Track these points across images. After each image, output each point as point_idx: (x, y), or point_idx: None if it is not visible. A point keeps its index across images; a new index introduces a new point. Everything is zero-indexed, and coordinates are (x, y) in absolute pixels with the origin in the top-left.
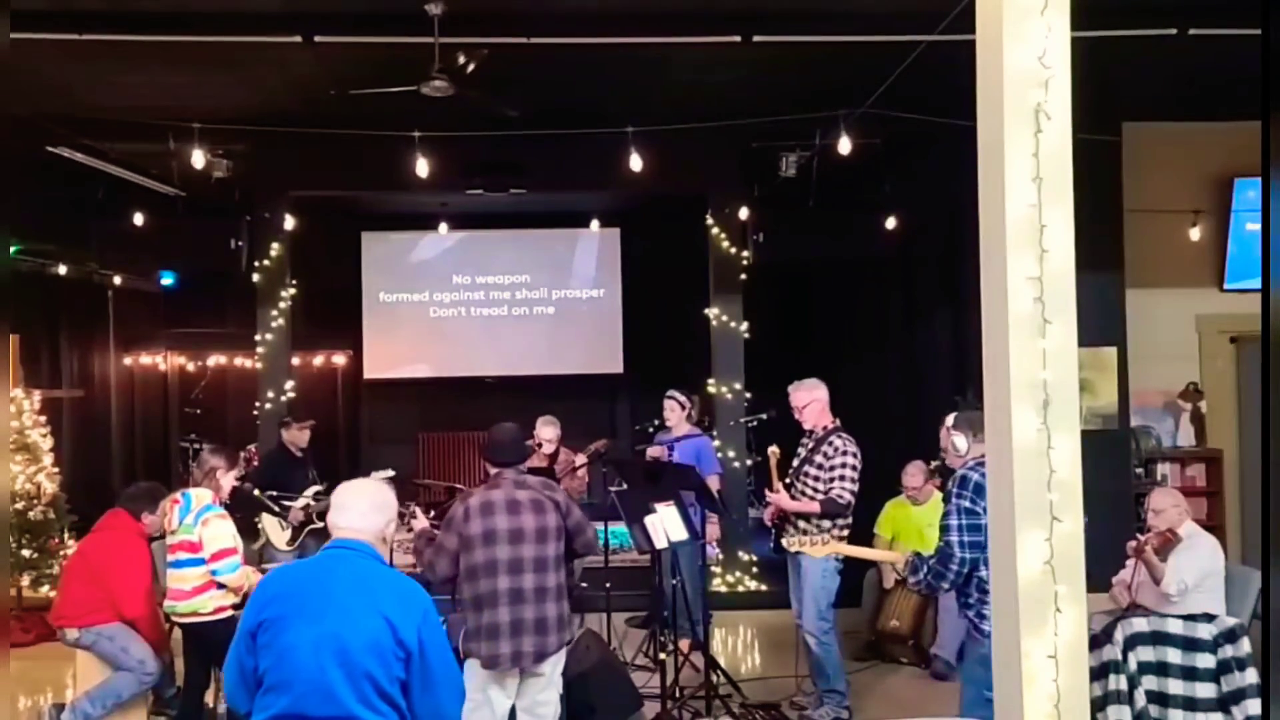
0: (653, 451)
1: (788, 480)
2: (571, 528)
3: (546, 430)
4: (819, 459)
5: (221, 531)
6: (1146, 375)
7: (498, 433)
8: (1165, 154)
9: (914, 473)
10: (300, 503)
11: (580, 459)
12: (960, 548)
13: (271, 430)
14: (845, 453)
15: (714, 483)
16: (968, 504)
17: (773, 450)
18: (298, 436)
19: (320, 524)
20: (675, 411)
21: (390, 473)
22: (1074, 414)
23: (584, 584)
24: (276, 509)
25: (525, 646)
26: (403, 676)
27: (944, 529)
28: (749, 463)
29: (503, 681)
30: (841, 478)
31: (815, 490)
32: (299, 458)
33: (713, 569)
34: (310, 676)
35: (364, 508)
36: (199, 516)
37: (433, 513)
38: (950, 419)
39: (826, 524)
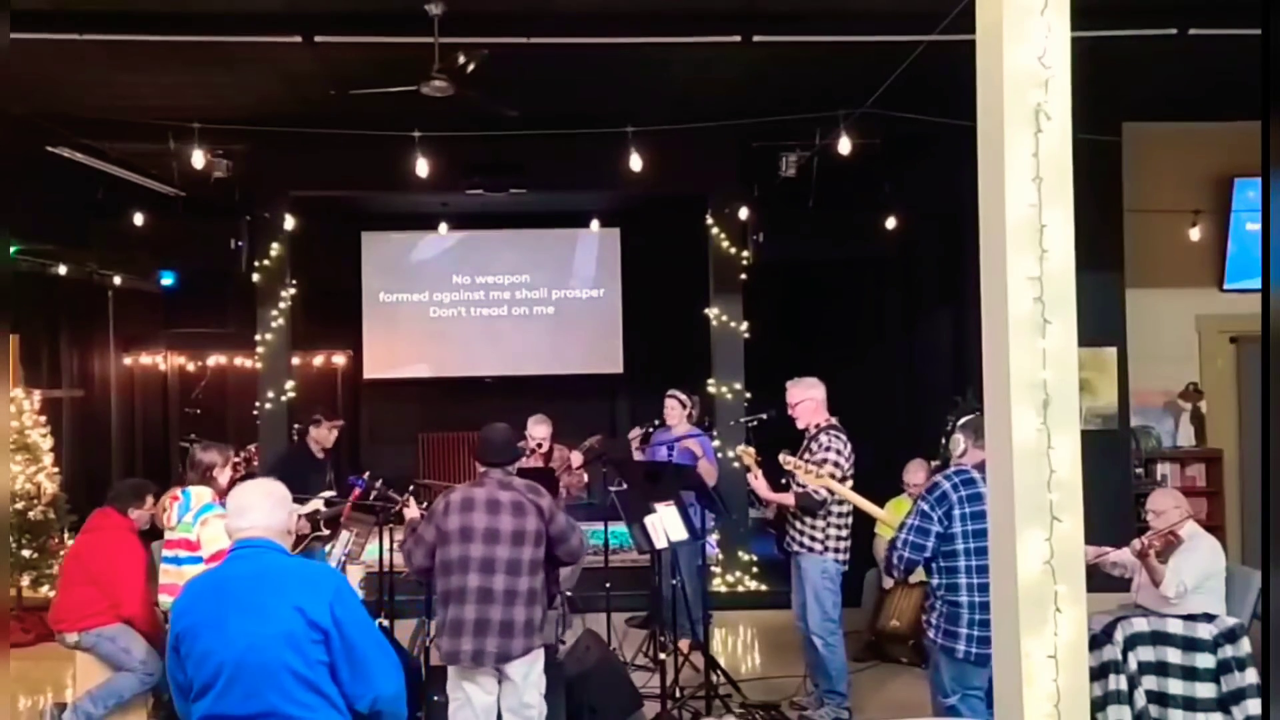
0: (654, 454)
1: (784, 480)
2: (554, 534)
3: (538, 429)
4: (807, 456)
5: (220, 532)
6: (1146, 375)
7: (488, 432)
8: (1165, 154)
9: (915, 469)
10: (308, 508)
11: (576, 457)
12: (903, 545)
13: (271, 430)
14: (829, 449)
15: (708, 470)
16: (926, 508)
17: (746, 449)
18: (324, 436)
19: (327, 532)
20: (676, 410)
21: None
22: (1074, 414)
23: (569, 592)
24: None
25: (488, 646)
26: (325, 659)
27: (900, 524)
28: None
29: (477, 679)
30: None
31: (801, 485)
32: (320, 459)
33: (713, 569)
34: (227, 677)
35: (267, 506)
36: (198, 516)
37: (426, 504)
38: (961, 420)
39: (821, 524)
